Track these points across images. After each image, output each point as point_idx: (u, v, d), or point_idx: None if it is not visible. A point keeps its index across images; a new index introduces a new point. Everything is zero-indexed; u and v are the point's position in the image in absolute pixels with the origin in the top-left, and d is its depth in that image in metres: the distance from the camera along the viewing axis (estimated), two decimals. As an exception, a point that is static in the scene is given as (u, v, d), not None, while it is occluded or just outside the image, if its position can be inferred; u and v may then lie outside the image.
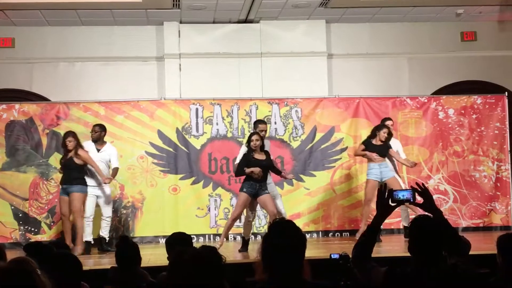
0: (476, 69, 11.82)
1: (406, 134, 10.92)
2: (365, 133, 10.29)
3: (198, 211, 10.57)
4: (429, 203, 3.65)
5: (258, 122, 9.32)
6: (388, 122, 9.71)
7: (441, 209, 3.76)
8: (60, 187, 9.19)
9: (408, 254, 3.37)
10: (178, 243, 4.60)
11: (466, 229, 10.55)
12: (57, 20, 10.96)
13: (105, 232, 9.38)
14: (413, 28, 11.78)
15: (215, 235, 10.44)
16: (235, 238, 10.31)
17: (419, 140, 10.98)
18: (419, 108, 11.02)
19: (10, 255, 4.46)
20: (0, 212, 10.22)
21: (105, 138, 9.61)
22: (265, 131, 9.07)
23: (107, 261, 8.00)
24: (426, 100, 11.07)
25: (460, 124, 11.02)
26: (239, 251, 8.64)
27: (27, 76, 11.22)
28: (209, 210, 10.58)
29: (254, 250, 8.76)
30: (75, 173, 8.99)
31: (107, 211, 9.42)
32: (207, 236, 10.45)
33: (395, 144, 9.74)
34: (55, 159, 10.13)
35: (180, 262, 2.56)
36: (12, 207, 10.25)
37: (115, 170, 9.41)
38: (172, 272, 2.61)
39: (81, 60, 11.32)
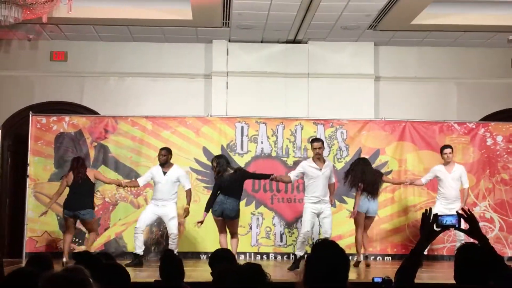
0: (526, 96, 11.65)
1: (453, 160, 10.76)
2: (410, 157, 10.22)
3: (240, 229, 10.54)
4: (475, 229, 3.60)
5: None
6: (446, 150, 9.63)
7: (486, 237, 3.69)
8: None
9: (452, 281, 3.33)
10: (221, 259, 4.62)
11: (511, 258, 10.33)
12: (109, 35, 11.19)
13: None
14: (462, 53, 11.68)
15: (256, 253, 10.45)
16: (275, 258, 10.31)
17: (466, 166, 10.78)
18: (466, 133, 10.88)
19: (55, 265, 4.56)
20: (46, 222, 10.40)
21: (152, 153, 9.75)
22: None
23: (145, 275, 8.09)
24: (474, 126, 10.92)
25: (508, 152, 10.84)
26: (288, 269, 8.72)
27: (78, 89, 11.46)
28: (250, 228, 10.60)
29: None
30: None
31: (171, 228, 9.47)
32: (247, 254, 10.46)
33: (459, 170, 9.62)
34: (101, 172, 10.29)
35: (225, 279, 2.58)
36: (58, 218, 10.42)
37: (189, 193, 9.47)
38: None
39: (131, 76, 11.51)
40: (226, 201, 8.75)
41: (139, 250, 9.29)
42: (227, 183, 8.85)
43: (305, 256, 8.98)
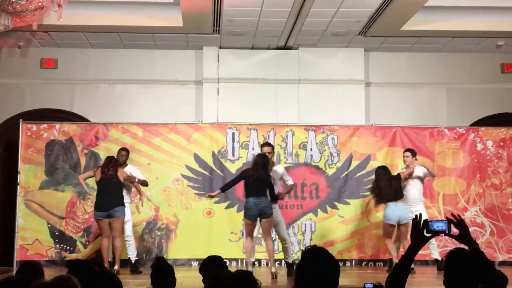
0: (516, 101, 11.71)
1: (444, 165, 10.83)
2: (401, 163, 10.23)
3: (232, 235, 10.58)
4: (465, 234, 3.61)
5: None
6: (405, 154, 9.69)
7: (477, 242, 3.70)
8: None
9: (442, 287, 3.34)
10: (213, 266, 4.61)
11: (502, 263, 10.37)
12: (100, 42, 11.18)
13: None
14: (452, 58, 11.74)
15: (247, 260, 10.43)
16: (267, 264, 10.29)
17: (457, 171, 10.87)
18: (457, 139, 10.93)
19: (46, 273, 4.54)
20: (37, 229, 10.37)
21: (143, 160, 9.76)
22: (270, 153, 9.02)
23: (137, 282, 8.08)
24: (464, 131, 10.98)
25: (498, 157, 10.89)
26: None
27: (69, 96, 11.45)
28: (242, 234, 10.56)
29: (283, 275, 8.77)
30: None
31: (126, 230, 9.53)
32: (239, 260, 10.44)
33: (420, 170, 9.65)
34: (92, 179, 10.26)
35: (216, 286, 2.58)
36: (49, 225, 10.40)
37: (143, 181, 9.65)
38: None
39: (122, 82, 11.51)
40: (259, 201, 8.51)
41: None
42: (255, 183, 8.55)
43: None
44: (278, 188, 8.98)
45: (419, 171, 9.59)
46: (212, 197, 9.30)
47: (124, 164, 9.57)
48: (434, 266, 9.82)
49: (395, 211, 9.11)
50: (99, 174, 9.19)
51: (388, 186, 9.18)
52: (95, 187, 9.37)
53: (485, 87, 11.77)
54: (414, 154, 9.70)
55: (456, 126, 11.15)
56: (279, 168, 9.12)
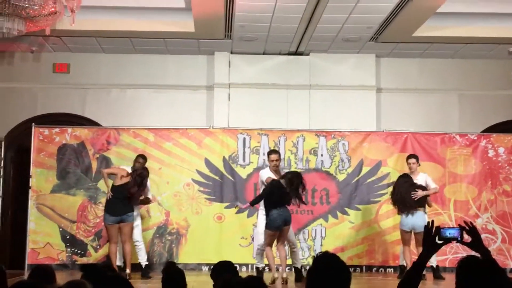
0: (527, 108, 11.67)
1: (455, 172, 10.79)
2: (412, 169, 10.19)
3: (242, 241, 10.59)
4: (477, 242, 3.61)
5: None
6: (410, 160, 9.64)
7: (489, 249, 3.70)
8: None
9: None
10: (224, 271, 4.62)
11: (514, 270, 10.32)
12: (112, 47, 11.24)
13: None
14: (464, 64, 11.71)
15: (258, 265, 10.42)
16: (277, 269, 10.28)
17: (468, 178, 10.83)
18: (468, 145, 10.90)
19: (57, 276, 4.56)
20: (49, 233, 10.42)
21: (154, 164, 9.81)
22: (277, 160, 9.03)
23: (147, 287, 8.09)
24: (475, 138, 10.94)
25: (510, 163, 10.85)
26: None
27: (81, 101, 11.50)
28: (252, 240, 10.58)
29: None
30: None
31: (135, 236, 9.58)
32: (249, 266, 10.44)
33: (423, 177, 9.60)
34: (103, 183, 10.30)
35: (227, 291, 2.59)
36: (60, 229, 10.45)
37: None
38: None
39: (133, 87, 11.55)
40: (281, 211, 8.52)
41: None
42: (278, 195, 8.59)
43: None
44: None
45: (422, 179, 9.51)
46: (241, 208, 9.33)
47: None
48: (446, 273, 9.77)
49: (411, 218, 9.08)
50: (120, 179, 9.23)
51: (410, 195, 9.15)
52: (103, 189, 9.47)
53: (496, 93, 11.73)
54: (418, 159, 9.70)
55: (468, 132, 11.12)
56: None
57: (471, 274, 3.26)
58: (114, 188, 9.26)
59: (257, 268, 9.19)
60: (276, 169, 8.91)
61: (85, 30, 10.13)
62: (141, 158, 9.63)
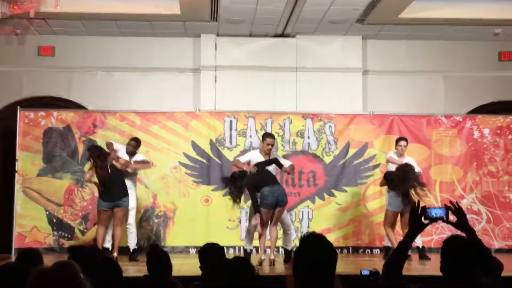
0: (512, 89, 11.73)
1: (440, 153, 10.86)
2: (398, 151, 10.23)
3: (229, 223, 10.63)
4: (462, 221, 3.65)
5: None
6: (401, 143, 9.66)
7: (474, 229, 3.74)
8: None
9: (439, 273, 3.37)
10: (211, 253, 4.64)
11: (499, 250, 10.42)
12: (97, 30, 11.16)
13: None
14: (449, 46, 11.73)
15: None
16: (265, 251, 10.33)
17: (453, 159, 10.91)
18: (454, 127, 10.96)
19: (45, 260, 4.57)
20: (35, 217, 10.40)
21: (141, 148, 9.76)
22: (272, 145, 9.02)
23: (135, 269, 8.11)
24: (461, 119, 11.00)
25: (495, 145, 10.93)
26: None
27: (66, 84, 11.42)
28: (240, 222, 10.63)
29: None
30: None
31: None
32: (237, 248, 10.48)
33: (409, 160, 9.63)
34: (88, 167, 10.27)
35: (214, 273, 2.60)
36: (47, 213, 10.43)
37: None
38: (206, 283, 2.66)
39: (119, 70, 11.49)
40: (275, 189, 8.54)
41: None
42: (259, 177, 8.60)
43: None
44: (290, 163, 9.03)
45: (411, 162, 9.53)
46: (256, 225, 8.71)
47: (132, 154, 9.52)
48: (431, 253, 9.85)
49: (400, 199, 9.13)
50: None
51: (407, 180, 9.16)
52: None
53: (482, 75, 11.77)
54: (408, 143, 9.76)
55: (453, 114, 11.18)
56: (275, 157, 9.12)
57: (456, 254, 3.30)
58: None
59: (244, 250, 9.21)
60: (268, 153, 8.92)
61: (70, 13, 10.05)
62: (132, 141, 9.60)
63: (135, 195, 9.63)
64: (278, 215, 8.69)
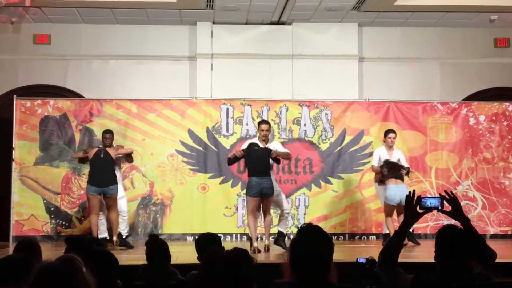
0: (508, 76, 11.74)
1: (436, 140, 10.90)
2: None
3: (226, 210, 10.67)
4: (456, 211, 3.68)
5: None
6: (391, 135, 9.66)
7: (469, 215, 3.79)
8: None
9: (433, 261, 3.41)
10: (207, 243, 4.68)
11: (494, 236, 10.50)
12: (93, 18, 11.13)
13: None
14: (445, 33, 11.74)
15: (242, 234, 10.53)
16: (261, 239, 10.38)
17: (449, 145, 10.95)
18: (449, 113, 10.99)
19: (42, 248, 4.60)
20: (33, 205, 10.43)
21: (138, 136, 9.79)
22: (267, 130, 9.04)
23: (133, 257, 8.14)
24: (457, 106, 11.04)
25: (490, 131, 10.97)
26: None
27: (62, 72, 11.41)
28: (236, 209, 10.68)
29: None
30: None
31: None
32: (234, 235, 10.54)
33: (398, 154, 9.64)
34: (87, 155, 10.30)
35: (212, 264, 2.63)
36: (44, 201, 10.46)
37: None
38: (204, 273, 2.69)
39: (115, 58, 11.47)
40: (262, 180, 8.59)
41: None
42: (251, 163, 8.71)
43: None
44: (286, 151, 9.07)
45: (396, 156, 9.55)
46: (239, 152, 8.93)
47: (110, 146, 9.49)
48: (427, 240, 9.92)
49: (397, 192, 9.14)
50: (92, 152, 9.25)
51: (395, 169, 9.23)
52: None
53: (478, 61, 11.79)
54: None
55: (449, 100, 11.21)
56: (274, 145, 9.13)
57: (450, 242, 3.34)
58: (92, 162, 9.27)
59: (279, 231, 9.11)
60: (265, 139, 8.94)
61: (65, 1, 10.05)
62: (107, 133, 9.52)
63: (122, 185, 9.70)
64: (267, 206, 8.78)
